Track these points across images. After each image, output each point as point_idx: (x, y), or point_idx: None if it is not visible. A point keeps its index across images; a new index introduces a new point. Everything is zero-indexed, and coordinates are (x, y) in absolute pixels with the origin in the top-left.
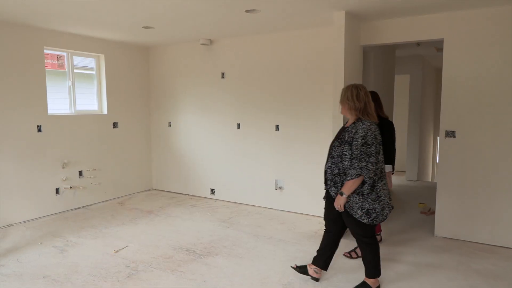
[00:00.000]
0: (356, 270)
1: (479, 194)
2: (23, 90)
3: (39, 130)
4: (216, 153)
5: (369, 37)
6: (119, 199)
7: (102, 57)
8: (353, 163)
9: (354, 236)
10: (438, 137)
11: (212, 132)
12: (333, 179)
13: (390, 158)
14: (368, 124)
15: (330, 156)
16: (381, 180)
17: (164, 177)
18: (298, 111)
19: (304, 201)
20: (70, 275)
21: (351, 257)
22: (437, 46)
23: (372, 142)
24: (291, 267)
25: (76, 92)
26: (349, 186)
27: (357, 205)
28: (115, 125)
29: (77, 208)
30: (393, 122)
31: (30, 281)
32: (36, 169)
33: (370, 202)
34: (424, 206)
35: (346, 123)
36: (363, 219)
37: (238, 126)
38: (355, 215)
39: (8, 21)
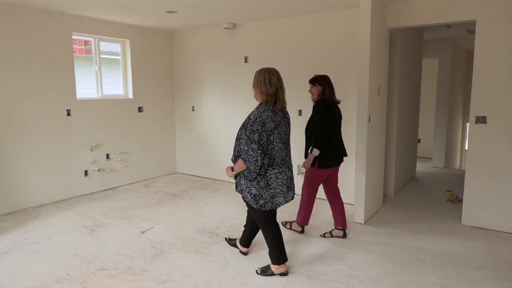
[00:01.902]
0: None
1: (510, 182)
2: (53, 75)
3: (68, 114)
4: None
5: (396, 19)
6: (144, 182)
7: (128, 42)
8: (242, 147)
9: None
10: (468, 123)
11: (234, 116)
12: (234, 160)
13: (315, 141)
14: (262, 111)
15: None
16: (275, 169)
17: (187, 161)
18: None
19: None
20: (98, 254)
21: (288, 227)
22: (469, 28)
23: (257, 129)
24: (225, 238)
25: (102, 77)
26: (239, 165)
27: (247, 189)
28: (140, 109)
29: (105, 190)
30: (419, 107)
31: (62, 258)
32: (66, 152)
33: (258, 188)
34: (451, 194)
35: None
36: (252, 203)
37: None
38: (246, 198)
39: (38, 8)
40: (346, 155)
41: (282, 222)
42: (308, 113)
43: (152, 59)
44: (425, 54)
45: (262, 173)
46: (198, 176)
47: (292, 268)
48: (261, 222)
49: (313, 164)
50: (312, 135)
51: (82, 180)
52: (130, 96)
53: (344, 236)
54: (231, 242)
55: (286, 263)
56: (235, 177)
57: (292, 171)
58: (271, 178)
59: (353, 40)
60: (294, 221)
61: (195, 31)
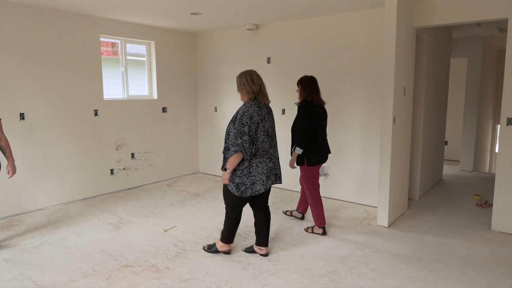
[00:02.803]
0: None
1: None
2: (82, 77)
3: (96, 114)
4: None
5: (423, 18)
6: (167, 181)
7: (153, 43)
8: (232, 140)
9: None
10: (499, 125)
11: None
12: (223, 153)
13: (298, 141)
14: (248, 106)
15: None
16: (257, 158)
17: (210, 161)
18: (345, 96)
19: (350, 188)
20: (123, 251)
21: (307, 231)
22: (501, 26)
23: (246, 122)
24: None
25: (128, 78)
26: (231, 162)
27: (230, 179)
28: (164, 109)
29: (130, 188)
30: (447, 108)
31: (89, 254)
32: (93, 151)
33: (241, 176)
34: (480, 198)
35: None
36: (234, 191)
37: (283, 111)
38: (229, 186)
39: (68, 11)
40: (330, 152)
41: (307, 229)
42: (331, 113)
43: (176, 60)
44: (454, 54)
45: (249, 164)
46: (220, 176)
47: (314, 270)
48: (231, 206)
49: (301, 163)
50: (296, 134)
51: (108, 179)
52: (155, 96)
53: (302, 218)
54: (248, 250)
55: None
56: (225, 169)
57: (274, 162)
58: (252, 166)
59: (378, 39)
60: (312, 226)
61: (219, 32)
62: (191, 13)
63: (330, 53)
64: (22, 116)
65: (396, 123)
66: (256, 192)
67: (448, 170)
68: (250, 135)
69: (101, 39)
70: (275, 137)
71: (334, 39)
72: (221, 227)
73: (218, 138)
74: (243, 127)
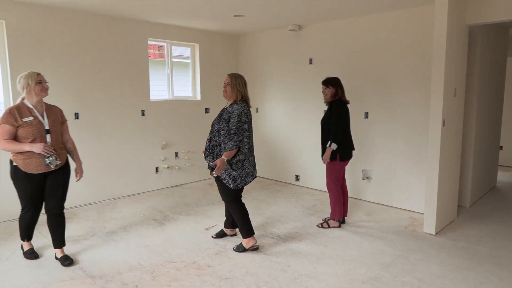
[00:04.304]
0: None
1: None
2: (130, 78)
3: (143, 114)
4: (301, 140)
5: (476, 15)
6: (208, 181)
7: (197, 46)
8: (231, 137)
9: (223, 200)
10: None
11: (298, 118)
12: (209, 149)
13: (334, 137)
14: (242, 106)
15: (210, 130)
16: (247, 153)
17: None
18: (390, 98)
19: (394, 193)
20: (167, 247)
21: (322, 227)
22: None
23: (245, 120)
24: (212, 236)
25: (173, 79)
26: (229, 153)
27: (226, 172)
28: (207, 110)
29: (173, 186)
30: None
31: (135, 248)
32: (140, 149)
33: (236, 170)
34: None
35: (226, 104)
36: (229, 184)
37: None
38: (224, 180)
39: (119, 16)
40: (354, 149)
41: (318, 225)
42: (375, 115)
43: (219, 61)
44: (510, 52)
45: (243, 158)
46: (260, 177)
47: (355, 275)
48: (230, 201)
49: (334, 159)
50: (330, 131)
51: (153, 176)
52: (198, 97)
53: (343, 221)
54: (218, 234)
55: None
56: (211, 169)
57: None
58: (245, 160)
59: (426, 38)
60: (327, 218)
61: (261, 33)
62: (235, 15)
63: (374, 54)
64: (76, 116)
65: (446, 125)
66: (247, 183)
67: (502, 176)
68: (249, 132)
69: (149, 42)
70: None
71: (378, 38)
72: (261, 227)
73: (259, 138)
74: (243, 125)
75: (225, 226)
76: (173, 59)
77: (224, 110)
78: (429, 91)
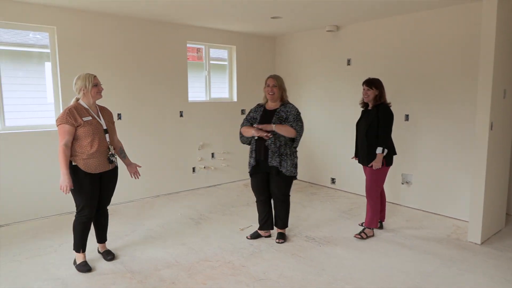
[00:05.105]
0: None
1: None
2: (170, 80)
3: (181, 115)
4: (338, 142)
5: None
6: (244, 182)
7: (234, 48)
8: (300, 132)
9: (280, 198)
10: None
11: (335, 120)
12: (277, 151)
13: (384, 142)
14: (293, 104)
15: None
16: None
17: None
18: (431, 100)
19: (436, 199)
20: (202, 246)
21: (361, 238)
22: None
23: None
24: (246, 237)
25: (211, 81)
26: (287, 129)
27: (290, 162)
28: (243, 112)
29: (209, 186)
30: None
31: (172, 246)
32: (178, 150)
33: (296, 157)
34: None
35: (266, 105)
36: (294, 173)
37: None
38: (287, 172)
39: (159, 20)
40: (396, 154)
41: (357, 236)
42: (416, 117)
43: (256, 63)
44: None
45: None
46: (296, 179)
47: (393, 284)
48: (288, 194)
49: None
50: (378, 136)
51: (190, 176)
52: (235, 99)
53: (381, 226)
54: (253, 235)
55: None
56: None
57: None
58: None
59: (473, 37)
60: (362, 228)
61: (298, 34)
62: (272, 17)
63: (415, 54)
64: (119, 116)
65: (494, 129)
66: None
67: None
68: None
69: (188, 45)
70: None
71: (420, 38)
72: (296, 229)
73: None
74: (302, 120)
75: (261, 228)
76: (211, 61)
77: (273, 112)
78: (476, 92)
